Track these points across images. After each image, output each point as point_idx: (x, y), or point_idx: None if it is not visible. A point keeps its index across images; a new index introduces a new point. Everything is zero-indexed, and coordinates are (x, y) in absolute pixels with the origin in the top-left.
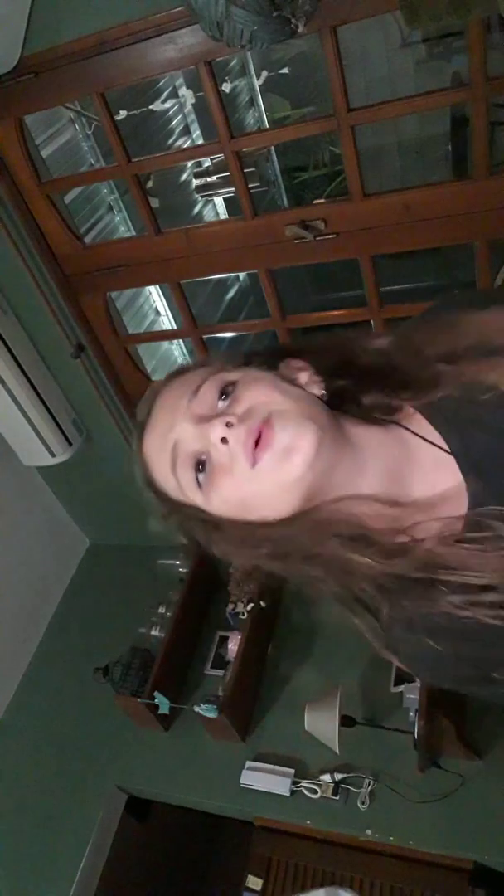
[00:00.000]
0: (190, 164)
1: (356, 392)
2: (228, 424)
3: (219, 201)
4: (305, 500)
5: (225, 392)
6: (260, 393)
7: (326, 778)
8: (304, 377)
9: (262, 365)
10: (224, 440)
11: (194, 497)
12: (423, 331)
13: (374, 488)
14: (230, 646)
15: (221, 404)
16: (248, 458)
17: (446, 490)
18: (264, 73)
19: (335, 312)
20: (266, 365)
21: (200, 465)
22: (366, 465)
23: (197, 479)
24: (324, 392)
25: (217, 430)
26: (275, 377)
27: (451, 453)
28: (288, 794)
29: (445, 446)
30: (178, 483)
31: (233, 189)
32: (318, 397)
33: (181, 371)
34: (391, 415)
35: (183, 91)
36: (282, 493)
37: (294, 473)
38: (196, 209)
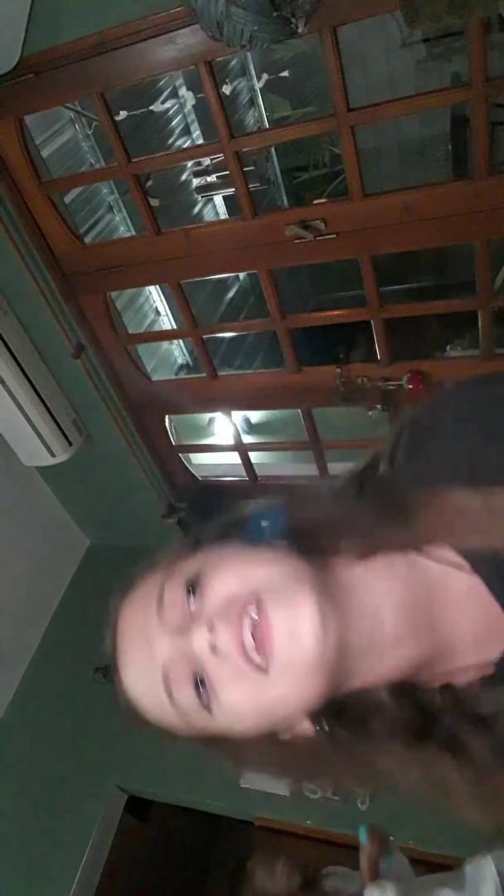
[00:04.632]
0: (190, 163)
1: (326, 544)
2: (210, 628)
3: (219, 201)
4: (331, 680)
5: (192, 586)
6: (228, 573)
7: None
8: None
9: (214, 542)
10: (214, 649)
11: (204, 721)
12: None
13: (396, 630)
14: None
15: (192, 602)
16: (251, 666)
17: (481, 621)
18: (265, 76)
19: (335, 312)
20: (220, 540)
21: (200, 681)
22: (380, 611)
23: (200, 699)
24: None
25: (198, 640)
26: (234, 547)
27: (477, 574)
28: (288, 794)
29: (468, 566)
30: (179, 711)
31: (233, 189)
32: (291, 552)
33: (132, 585)
34: (378, 550)
35: (183, 91)
36: (304, 681)
37: (311, 654)
38: (196, 209)
